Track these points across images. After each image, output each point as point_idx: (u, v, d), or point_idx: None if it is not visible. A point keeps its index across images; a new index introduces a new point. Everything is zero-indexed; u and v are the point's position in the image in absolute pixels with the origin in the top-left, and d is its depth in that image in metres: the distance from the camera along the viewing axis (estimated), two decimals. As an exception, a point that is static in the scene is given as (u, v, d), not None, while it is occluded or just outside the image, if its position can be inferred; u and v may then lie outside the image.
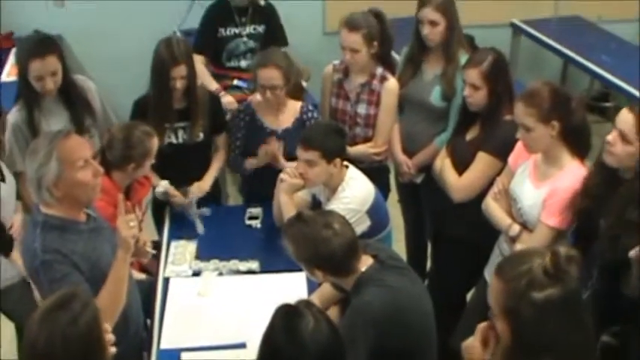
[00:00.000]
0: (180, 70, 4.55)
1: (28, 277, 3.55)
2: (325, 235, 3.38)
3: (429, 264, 5.19)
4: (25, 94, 4.41)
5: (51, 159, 3.23)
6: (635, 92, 6.20)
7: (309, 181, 4.24)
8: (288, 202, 4.29)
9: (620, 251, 3.24)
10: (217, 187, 5.13)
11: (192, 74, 4.64)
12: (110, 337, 2.71)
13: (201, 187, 4.81)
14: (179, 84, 4.57)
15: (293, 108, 4.81)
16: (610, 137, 3.44)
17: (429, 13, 4.61)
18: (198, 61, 5.27)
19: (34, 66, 4.28)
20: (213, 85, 5.50)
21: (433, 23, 4.62)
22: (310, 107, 4.87)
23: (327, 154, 4.12)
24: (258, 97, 4.73)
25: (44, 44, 4.38)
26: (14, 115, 4.43)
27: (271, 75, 4.60)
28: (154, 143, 4.32)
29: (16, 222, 4.19)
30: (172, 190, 4.72)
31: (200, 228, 4.69)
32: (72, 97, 4.48)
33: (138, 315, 3.75)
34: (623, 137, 3.39)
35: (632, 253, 2.95)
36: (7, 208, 4.10)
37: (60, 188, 3.27)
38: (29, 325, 2.53)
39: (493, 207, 4.06)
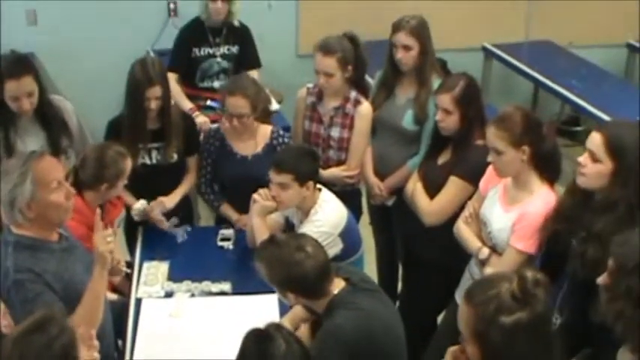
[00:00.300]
0: (155, 91, 4.55)
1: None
2: (298, 258, 3.38)
3: (400, 286, 5.20)
4: (1, 114, 4.37)
5: (25, 180, 3.23)
6: (605, 117, 6.26)
7: (281, 203, 4.25)
8: (260, 224, 4.29)
9: (589, 265, 3.28)
10: (189, 208, 5.14)
11: (166, 95, 4.65)
12: (95, 343, 2.72)
13: (165, 202, 4.76)
14: (153, 104, 4.57)
15: (263, 133, 4.80)
16: (581, 158, 3.48)
17: (403, 37, 4.65)
18: (173, 79, 5.29)
19: (9, 86, 4.26)
20: (187, 105, 5.50)
21: (407, 48, 4.65)
22: (281, 132, 4.87)
23: (300, 177, 4.13)
24: (226, 123, 4.73)
25: (20, 64, 4.36)
26: (-10, 136, 4.41)
27: (238, 103, 4.60)
28: (128, 164, 4.32)
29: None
30: (150, 209, 4.72)
31: (180, 237, 4.73)
32: (48, 118, 4.46)
33: (109, 335, 3.73)
34: (593, 157, 3.43)
35: (600, 279, 2.98)
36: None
37: (33, 209, 3.27)
38: (4, 346, 2.51)
39: (464, 230, 4.08)
